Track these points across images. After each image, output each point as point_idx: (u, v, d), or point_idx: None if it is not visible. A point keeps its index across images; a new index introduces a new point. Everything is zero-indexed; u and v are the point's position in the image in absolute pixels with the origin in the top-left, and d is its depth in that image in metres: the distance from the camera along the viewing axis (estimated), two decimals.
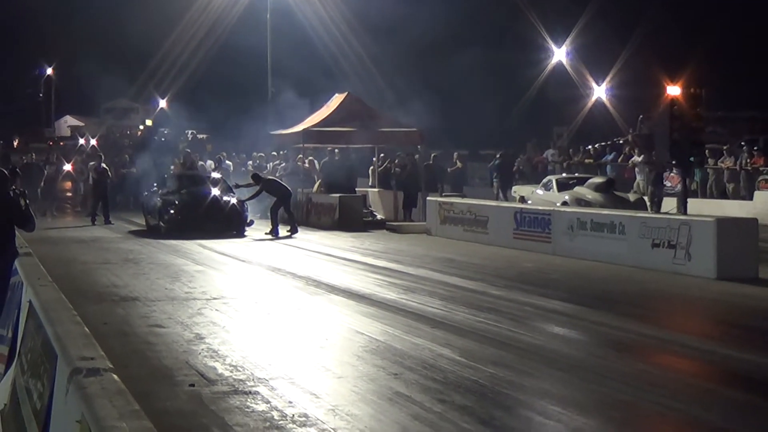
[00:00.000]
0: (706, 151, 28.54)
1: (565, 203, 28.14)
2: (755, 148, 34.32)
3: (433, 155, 34.71)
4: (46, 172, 35.83)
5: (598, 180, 30.61)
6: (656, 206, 29.41)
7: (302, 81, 39.31)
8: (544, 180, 32.63)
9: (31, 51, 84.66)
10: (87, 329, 6.33)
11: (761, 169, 32.80)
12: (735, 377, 10.51)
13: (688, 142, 20.35)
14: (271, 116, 43.15)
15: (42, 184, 34.71)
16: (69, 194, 38.42)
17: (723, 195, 33.34)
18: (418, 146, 33.34)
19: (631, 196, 30.00)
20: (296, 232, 27.09)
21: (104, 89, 77.16)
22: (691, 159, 20.97)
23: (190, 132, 62.89)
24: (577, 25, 58.32)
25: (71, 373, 4.93)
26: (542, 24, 58.89)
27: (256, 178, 28.69)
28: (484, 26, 59.85)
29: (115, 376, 4.82)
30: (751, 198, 31.68)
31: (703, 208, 28.13)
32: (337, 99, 33.29)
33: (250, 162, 37.68)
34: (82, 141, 56.71)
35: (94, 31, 74.37)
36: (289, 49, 48.98)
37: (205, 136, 60.05)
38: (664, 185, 32.18)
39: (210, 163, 37.89)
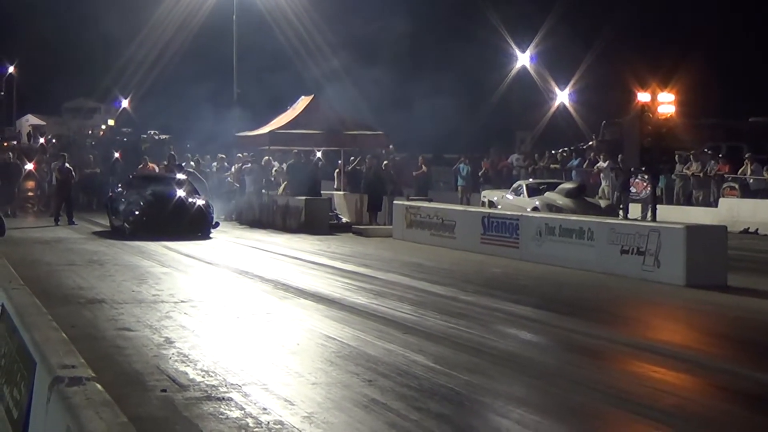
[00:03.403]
0: (675, 157, 28.63)
1: (535, 208, 28.12)
2: (720, 155, 34.48)
3: (384, 162, 33.96)
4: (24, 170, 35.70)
5: (569, 186, 30.49)
6: (625, 212, 29.46)
7: (268, 83, 39.09)
8: (515, 185, 32.50)
9: None
10: (65, 335, 6.17)
11: (726, 176, 32.95)
12: (710, 386, 10.48)
13: (658, 149, 20.37)
14: (237, 118, 42.98)
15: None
16: (31, 194, 37.96)
17: (688, 201, 33.47)
18: (383, 150, 33.21)
19: (602, 203, 29.98)
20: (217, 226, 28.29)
21: (66, 89, 76.58)
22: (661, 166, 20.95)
23: (152, 132, 62.46)
24: (542, 29, 58.47)
25: (53, 382, 4.78)
26: (506, 28, 59.04)
27: (179, 168, 31.32)
28: (447, 30, 59.82)
29: (99, 386, 4.68)
30: (716, 205, 31.81)
31: (668, 214, 28.16)
32: (303, 101, 33.15)
33: (215, 164, 37.41)
34: (42, 140, 56.07)
35: (57, 30, 73.80)
36: (256, 50, 48.77)
37: (166, 136, 59.59)
38: (630, 191, 32.27)
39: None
